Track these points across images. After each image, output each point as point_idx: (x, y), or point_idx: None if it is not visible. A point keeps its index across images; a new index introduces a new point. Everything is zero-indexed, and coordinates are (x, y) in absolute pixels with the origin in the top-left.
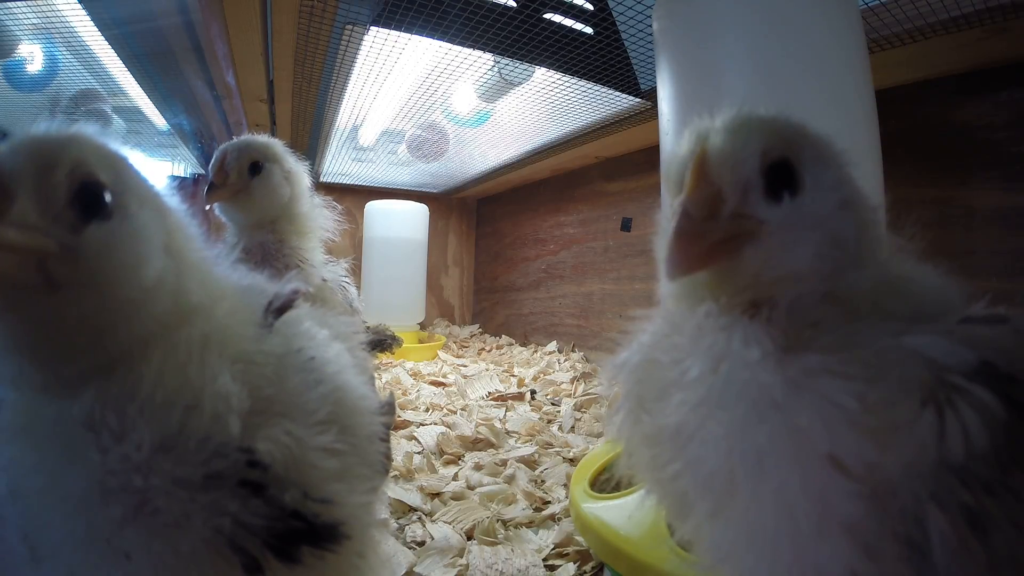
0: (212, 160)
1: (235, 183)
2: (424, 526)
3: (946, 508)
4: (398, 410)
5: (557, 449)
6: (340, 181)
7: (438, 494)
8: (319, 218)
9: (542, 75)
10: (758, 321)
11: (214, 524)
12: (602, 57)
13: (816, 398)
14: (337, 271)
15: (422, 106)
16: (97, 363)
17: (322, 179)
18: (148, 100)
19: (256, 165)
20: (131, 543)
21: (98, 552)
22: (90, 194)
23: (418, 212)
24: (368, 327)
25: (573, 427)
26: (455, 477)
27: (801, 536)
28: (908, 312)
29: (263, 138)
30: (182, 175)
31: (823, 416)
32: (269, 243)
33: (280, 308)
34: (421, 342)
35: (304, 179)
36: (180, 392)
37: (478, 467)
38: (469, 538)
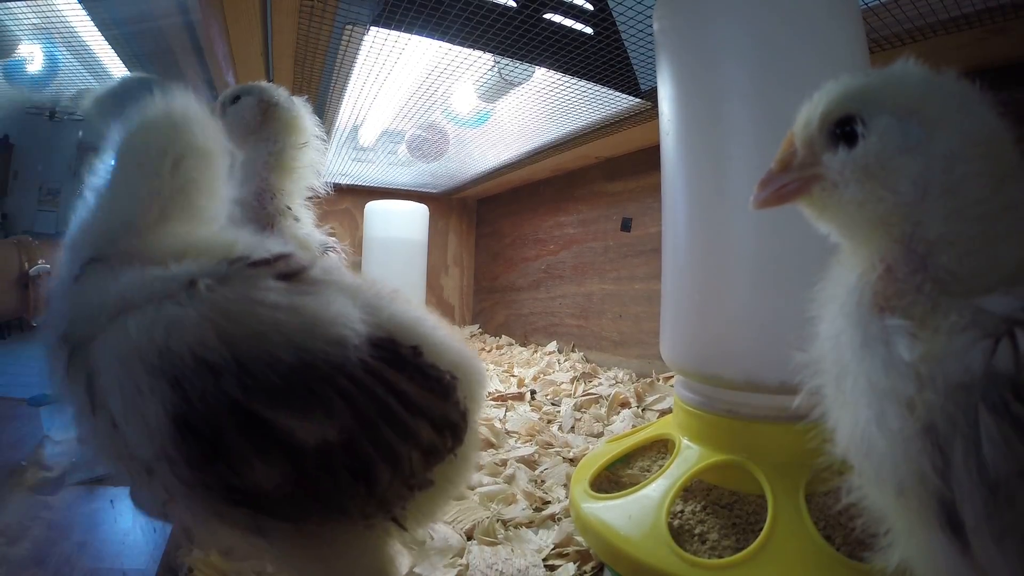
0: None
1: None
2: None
3: (995, 410)
4: None
5: (557, 449)
6: (340, 181)
7: None
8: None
9: (542, 75)
10: (870, 282)
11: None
12: (602, 57)
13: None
14: (318, 236)
15: (422, 106)
16: None
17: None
18: None
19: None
20: None
21: None
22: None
23: (418, 212)
24: None
25: (573, 427)
26: None
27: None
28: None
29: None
30: None
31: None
32: (263, 194)
33: (288, 274)
34: None
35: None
36: None
37: (478, 467)
38: (469, 538)
